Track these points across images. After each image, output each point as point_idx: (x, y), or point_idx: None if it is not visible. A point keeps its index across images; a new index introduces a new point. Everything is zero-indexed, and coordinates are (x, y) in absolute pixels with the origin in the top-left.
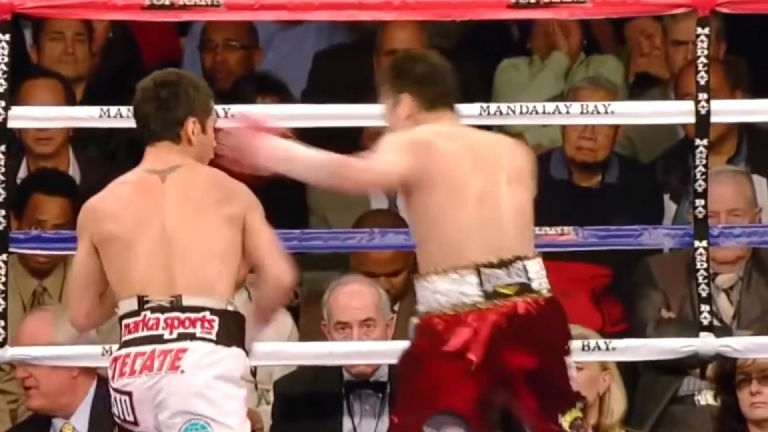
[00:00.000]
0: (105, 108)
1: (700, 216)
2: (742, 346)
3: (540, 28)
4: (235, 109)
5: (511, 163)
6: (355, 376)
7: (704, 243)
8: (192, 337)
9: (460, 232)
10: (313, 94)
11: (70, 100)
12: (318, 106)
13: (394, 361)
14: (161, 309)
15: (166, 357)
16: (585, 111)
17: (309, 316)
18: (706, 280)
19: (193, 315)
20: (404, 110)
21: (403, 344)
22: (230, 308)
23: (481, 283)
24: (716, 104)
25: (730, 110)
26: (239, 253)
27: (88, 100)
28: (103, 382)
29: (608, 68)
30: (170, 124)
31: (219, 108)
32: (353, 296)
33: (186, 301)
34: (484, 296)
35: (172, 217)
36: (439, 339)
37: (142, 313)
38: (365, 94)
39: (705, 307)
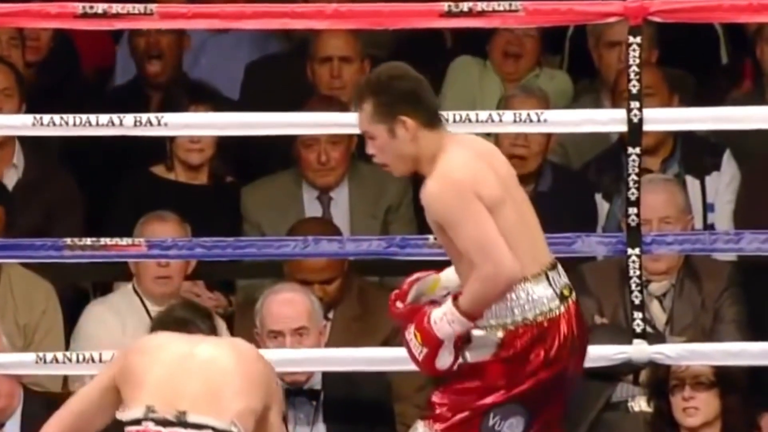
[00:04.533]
0: (38, 116)
1: (633, 224)
2: (675, 353)
3: (500, 39)
4: (168, 117)
5: (509, 170)
6: (288, 384)
7: (637, 251)
8: None
9: (525, 240)
10: (245, 105)
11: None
12: (252, 114)
13: (327, 368)
14: (164, 422)
15: None
16: (518, 119)
17: (243, 324)
18: (639, 288)
19: None
20: (408, 133)
21: (337, 351)
22: (234, 430)
23: (551, 287)
24: (648, 113)
25: (663, 118)
26: (263, 389)
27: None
28: (29, 391)
29: (558, 81)
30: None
31: (153, 116)
32: (285, 304)
33: (191, 418)
34: (559, 299)
35: (203, 347)
36: (529, 349)
37: (144, 423)
38: (298, 104)
39: (638, 315)
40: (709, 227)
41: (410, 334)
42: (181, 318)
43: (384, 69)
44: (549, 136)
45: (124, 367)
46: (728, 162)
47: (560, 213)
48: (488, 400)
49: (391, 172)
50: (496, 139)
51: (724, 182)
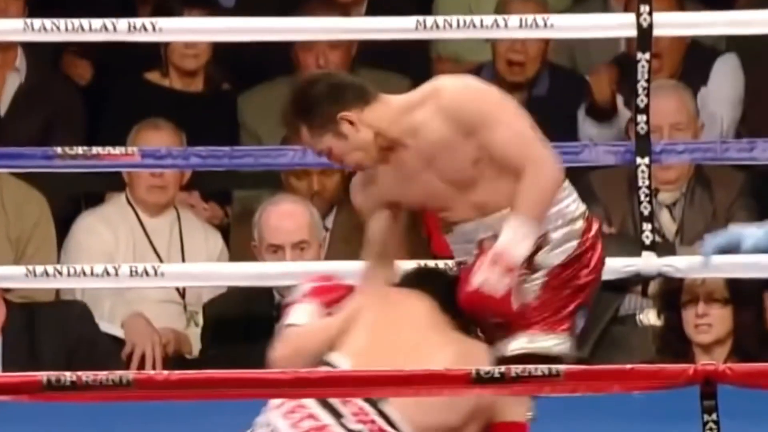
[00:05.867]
0: (29, 21)
1: (642, 132)
2: (685, 265)
3: None
4: (163, 22)
5: None
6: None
7: (646, 160)
8: None
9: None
10: (241, 10)
11: None
12: (249, 19)
13: None
14: None
15: None
16: (523, 24)
17: (240, 236)
18: (648, 198)
19: (375, 417)
20: (353, 125)
21: (337, 264)
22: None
23: None
24: (658, 17)
25: (673, 23)
26: (469, 409)
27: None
28: (11, 304)
29: None
30: None
31: (147, 21)
32: (285, 217)
33: (385, 408)
34: None
35: (424, 340)
36: (598, 237)
37: None
38: (295, 8)
39: (647, 226)
40: None
41: (482, 273)
42: (418, 283)
43: (293, 92)
44: (547, 40)
45: (356, 310)
46: (723, 70)
47: (556, 117)
48: (580, 295)
49: (365, 168)
50: (493, 45)
51: (726, 92)
